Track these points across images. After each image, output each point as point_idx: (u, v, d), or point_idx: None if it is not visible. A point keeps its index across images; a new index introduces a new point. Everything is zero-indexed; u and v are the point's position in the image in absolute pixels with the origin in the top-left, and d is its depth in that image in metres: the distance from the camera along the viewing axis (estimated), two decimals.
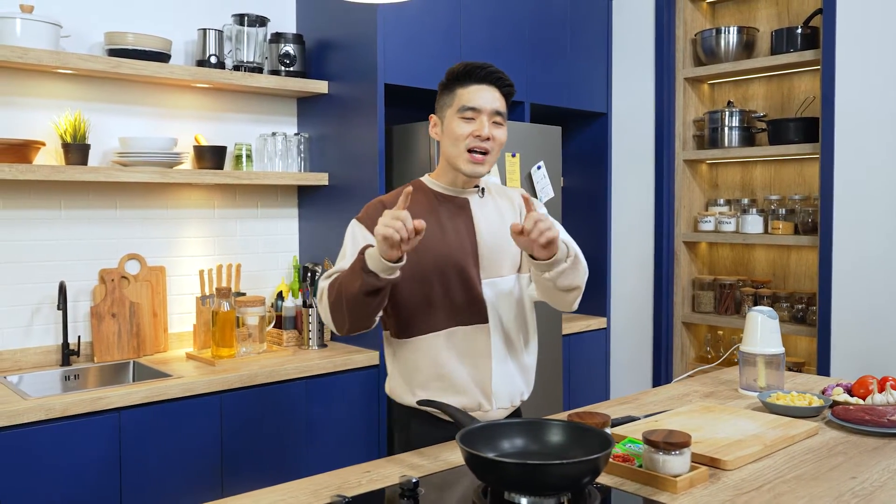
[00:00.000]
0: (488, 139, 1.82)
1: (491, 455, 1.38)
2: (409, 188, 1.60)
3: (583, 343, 3.88)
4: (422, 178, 1.96)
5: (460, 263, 1.83)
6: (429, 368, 1.84)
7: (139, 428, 2.43)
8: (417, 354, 1.84)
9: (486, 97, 1.83)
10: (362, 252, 1.64)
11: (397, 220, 1.54)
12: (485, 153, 1.84)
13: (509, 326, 1.89)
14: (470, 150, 1.82)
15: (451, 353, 1.83)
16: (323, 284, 1.79)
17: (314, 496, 1.43)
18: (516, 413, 1.97)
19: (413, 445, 1.83)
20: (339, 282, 1.71)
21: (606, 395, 4.03)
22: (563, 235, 1.84)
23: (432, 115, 1.94)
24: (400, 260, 1.62)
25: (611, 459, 1.57)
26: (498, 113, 1.85)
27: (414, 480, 1.41)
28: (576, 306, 1.88)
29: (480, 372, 1.84)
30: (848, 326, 3.19)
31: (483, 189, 1.95)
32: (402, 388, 1.88)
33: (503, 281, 1.89)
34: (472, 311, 1.84)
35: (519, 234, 1.64)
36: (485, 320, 1.85)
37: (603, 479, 1.53)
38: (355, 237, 1.85)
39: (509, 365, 1.89)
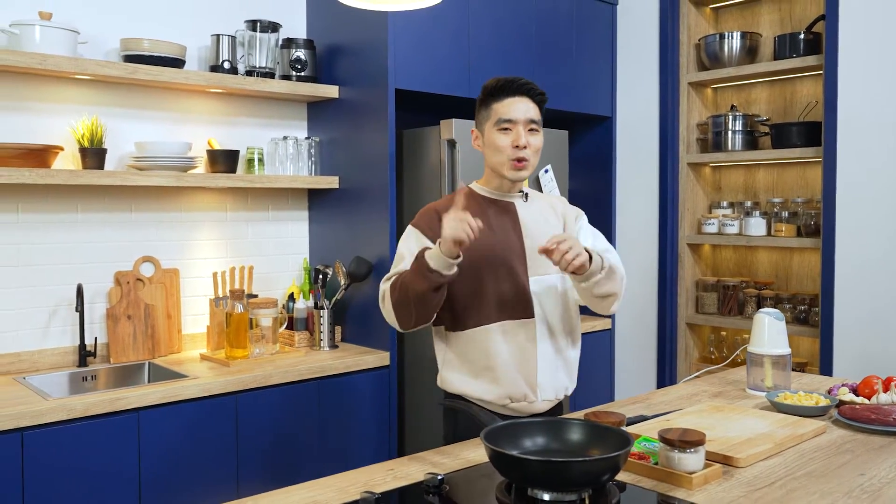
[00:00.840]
0: (525, 147, 1.97)
1: (515, 452, 1.43)
2: (466, 188, 1.75)
3: (588, 344, 3.89)
4: (470, 185, 2.11)
5: (509, 261, 1.97)
6: (480, 359, 1.96)
7: (157, 428, 2.47)
8: (471, 346, 1.98)
9: (520, 108, 1.99)
10: (421, 255, 1.79)
11: (464, 221, 1.71)
12: (525, 159, 1.98)
13: (554, 322, 2.01)
14: (511, 159, 1.98)
15: (500, 346, 1.95)
16: (384, 287, 1.93)
17: (342, 493, 1.48)
18: (558, 407, 2.08)
19: (458, 436, 1.97)
20: (401, 283, 1.86)
21: (611, 395, 4.08)
22: (601, 245, 2.02)
23: (473, 129, 2.09)
24: (458, 257, 1.78)
25: None
26: (532, 121, 2.00)
27: (439, 477, 1.46)
28: (614, 310, 2.02)
29: (527, 364, 1.97)
30: (850, 327, 3.25)
31: (527, 194, 2.11)
32: (454, 378, 2.00)
33: (549, 279, 2.02)
34: (520, 306, 1.98)
35: (547, 254, 1.77)
36: (531, 315, 1.97)
37: (620, 476, 1.58)
38: (409, 241, 2.00)
39: (554, 359, 2.01)
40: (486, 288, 1.96)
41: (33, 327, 2.77)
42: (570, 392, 2.08)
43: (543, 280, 2.01)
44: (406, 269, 1.89)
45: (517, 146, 1.96)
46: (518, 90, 2.00)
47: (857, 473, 1.60)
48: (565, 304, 2.05)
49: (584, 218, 2.16)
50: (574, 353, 2.09)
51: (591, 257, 1.83)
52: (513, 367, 1.96)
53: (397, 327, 1.94)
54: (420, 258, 1.81)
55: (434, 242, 1.91)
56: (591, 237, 2.11)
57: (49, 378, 2.67)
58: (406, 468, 1.62)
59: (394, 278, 1.92)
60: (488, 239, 1.96)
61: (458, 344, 2.00)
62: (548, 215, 2.10)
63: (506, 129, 1.98)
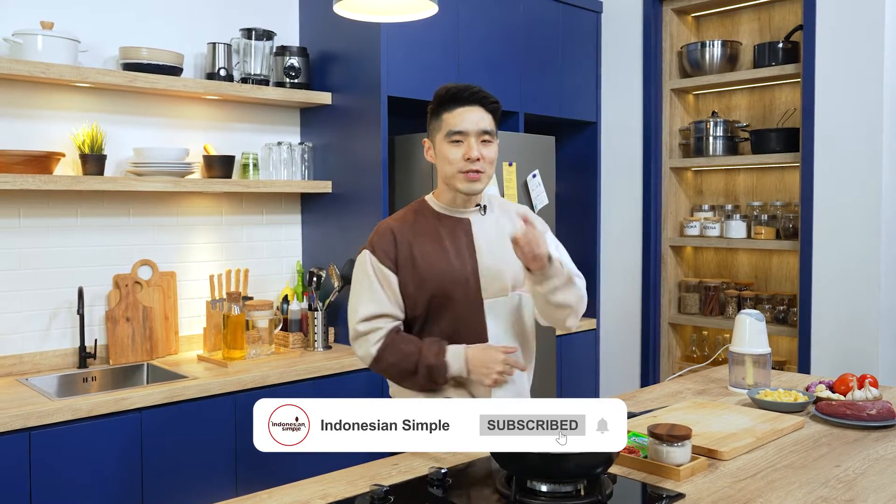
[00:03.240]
0: (478, 159, 1.89)
1: None
2: (422, 200, 1.77)
3: (574, 344, 4.03)
4: (425, 198, 2.03)
5: (463, 285, 1.91)
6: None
7: (159, 427, 2.53)
8: None
9: (472, 118, 1.89)
10: (444, 362, 1.86)
11: (503, 367, 1.86)
12: (479, 171, 1.90)
13: (508, 344, 1.96)
14: (463, 172, 1.90)
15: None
16: (373, 350, 1.89)
17: (351, 486, 1.56)
18: None
19: None
20: (403, 367, 1.88)
21: (596, 393, 4.18)
22: (566, 259, 1.97)
23: (425, 139, 2.00)
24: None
25: None
26: (485, 132, 1.91)
27: (443, 471, 1.55)
28: (569, 325, 1.96)
29: (478, 390, 1.92)
30: (827, 327, 3.36)
31: (485, 206, 2.01)
32: (401, 395, 1.97)
33: (503, 301, 1.97)
34: (474, 332, 1.93)
35: (515, 243, 1.76)
36: (485, 339, 1.94)
37: (612, 469, 1.66)
38: (368, 272, 1.91)
39: (506, 386, 1.93)
40: (439, 311, 1.92)
41: (35, 329, 2.82)
42: None
43: (498, 303, 1.95)
44: (383, 310, 1.88)
45: (469, 158, 1.87)
46: (469, 99, 1.89)
47: (833, 465, 1.71)
48: (521, 326, 2.00)
49: (550, 233, 2.06)
50: (527, 380, 2.04)
51: (550, 259, 1.80)
52: (464, 394, 1.91)
53: (374, 368, 1.94)
54: (443, 364, 1.85)
55: (392, 270, 1.89)
56: (554, 251, 1.98)
57: (50, 379, 2.72)
58: (410, 462, 1.71)
59: (377, 330, 1.88)
60: (443, 262, 1.91)
61: None
62: (504, 228, 1.98)
63: (457, 141, 1.89)
